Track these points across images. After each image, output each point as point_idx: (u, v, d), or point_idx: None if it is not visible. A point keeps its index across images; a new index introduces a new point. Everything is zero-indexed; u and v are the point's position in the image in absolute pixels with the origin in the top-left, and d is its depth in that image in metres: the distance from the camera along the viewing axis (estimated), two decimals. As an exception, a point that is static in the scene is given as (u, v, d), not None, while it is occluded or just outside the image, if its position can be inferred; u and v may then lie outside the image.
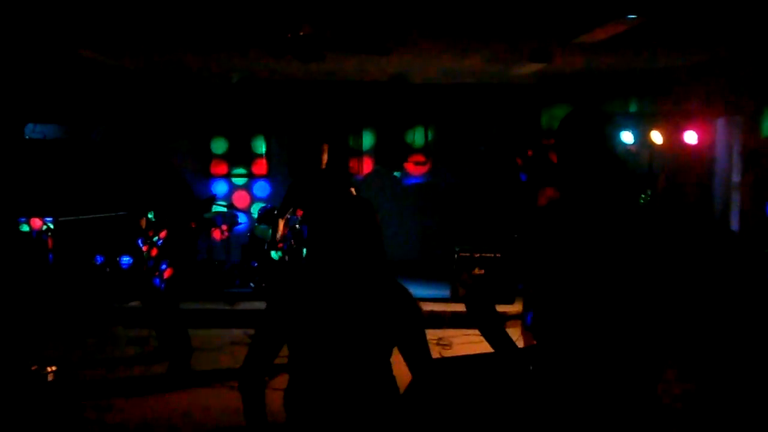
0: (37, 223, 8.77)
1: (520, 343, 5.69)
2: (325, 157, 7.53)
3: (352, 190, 7.50)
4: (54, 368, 5.80)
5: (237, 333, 8.29)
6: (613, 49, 7.49)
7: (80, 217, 9.17)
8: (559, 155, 2.83)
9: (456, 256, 9.30)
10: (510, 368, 2.80)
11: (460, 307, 8.82)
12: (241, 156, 11.37)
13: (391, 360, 2.90)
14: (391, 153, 11.25)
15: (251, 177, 11.45)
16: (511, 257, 2.80)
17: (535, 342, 2.77)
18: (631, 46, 7.47)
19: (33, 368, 5.18)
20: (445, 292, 9.31)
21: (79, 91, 9.77)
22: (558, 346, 2.67)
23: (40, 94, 9.34)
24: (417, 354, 2.87)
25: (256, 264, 9.62)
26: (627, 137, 8.84)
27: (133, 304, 8.66)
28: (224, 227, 9.98)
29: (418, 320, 2.88)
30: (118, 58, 8.69)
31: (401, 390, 2.97)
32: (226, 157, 11.38)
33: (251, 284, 9.67)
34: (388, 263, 2.83)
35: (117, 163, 9.80)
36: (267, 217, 9.77)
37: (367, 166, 11.42)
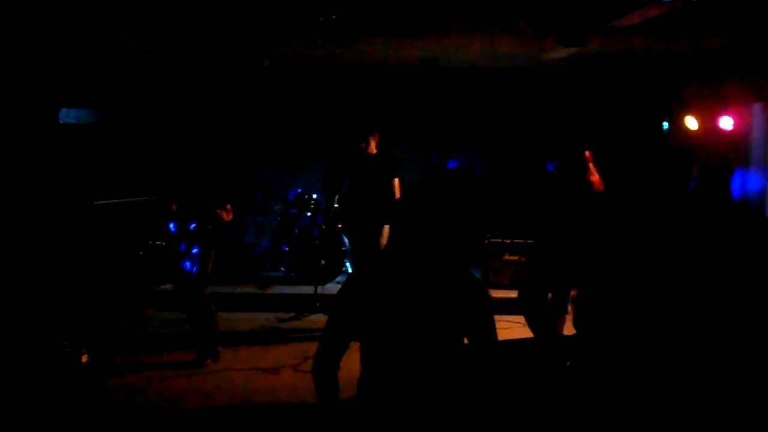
0: (72, 206, 8.86)
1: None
2: (373, 145, 7.61)
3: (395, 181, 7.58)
4: (86, 349, 5.88)
5: (268, 317, 8.35)
6: (647, 32, 7.39)
7: (114, 201, 9.25)
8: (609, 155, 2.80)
9: (486, 241, 9.27)
10: (547, 357, 2.78)
11: (491, 293, 8.78)
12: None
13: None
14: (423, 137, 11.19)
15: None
16: (554, 250, 2.79)
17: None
18: (665, 30, 7.36)
19: (66, 349, 5.24)
20: (476, 278, 9.26)
21: (112, 76, 9.82)
22: (601, 339, 2.64)
23: (74, 79, 9.41)
24: (485, 343, 2.83)
25: (286, 248, 9.65)
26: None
27: (166, 287, 8.74)
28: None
29: (488, 310, 2.85)
30: (151, 43, 8.72)
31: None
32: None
33: (281, 268, 9.72)
34: (458, 253, 2.79)
35: (150, 147, 9.86)
36: (297, 201, 9.80)
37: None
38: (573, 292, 5.70)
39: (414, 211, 2.77)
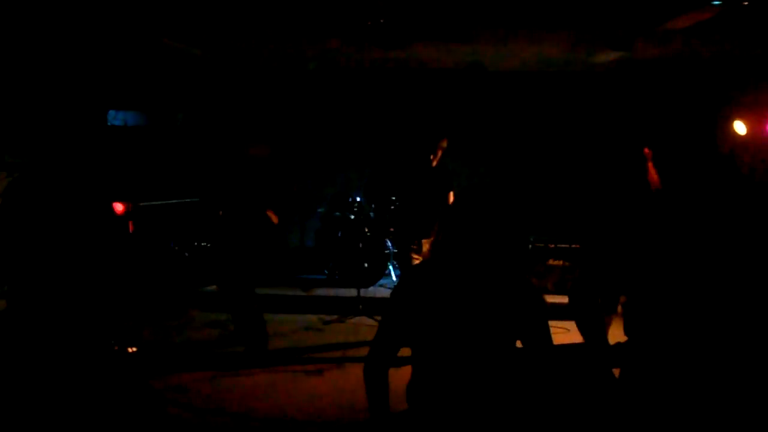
0: (118, 207, 8.99)
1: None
2: (440, 152, 7.49)
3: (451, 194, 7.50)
4: (134, 349, 5.96)
5: (312, 319, 8.39)
6: (696, 36, 7.31)
7: (160, 202, 9.37)
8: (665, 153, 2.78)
9: (530, 245, 9.22)
10: (596, 364, 2.77)
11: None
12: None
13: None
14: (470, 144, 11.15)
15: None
16: (609, 252, 2.76)
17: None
18: (714, 34, 7.28)
19: (115, 348, 5.32)
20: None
21: (158, 79, 9.96)
22: (655, 345, 2.61)
23: (122, 82, 9.56)
24: (539, 345, 2.82)
25: (330, 250, 9.70)
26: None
27: (210, 288, 8.83)
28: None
29: (543, 315, 2.83)
30: (198, 46, 8.83)
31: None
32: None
33: (325, 271, 9.76)
34: (519, 257, 2.77)
35: (196, 150, 9.98)
36: (340, 203, 9.84)
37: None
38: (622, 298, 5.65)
39: (470, 214, 2.77)
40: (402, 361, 2.92)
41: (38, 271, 3.52)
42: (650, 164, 5.31)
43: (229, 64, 10.22)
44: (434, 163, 7.50)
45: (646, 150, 5.43)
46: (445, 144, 7.49)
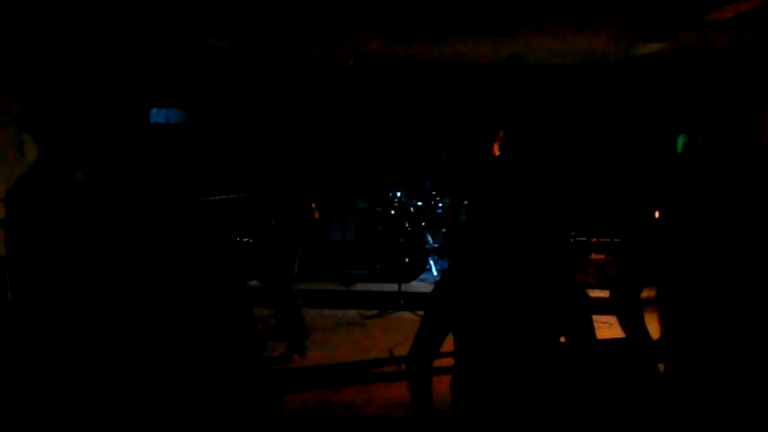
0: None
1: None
2: (497, 145, 7.36)
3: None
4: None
5: (352, 314, 8.42)
6: (742, 27, 7.17)
7: (203, 198, 9.46)
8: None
9: (572, 240, 9.15)
10: (640, 359, 2.73)
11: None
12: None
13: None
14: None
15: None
16: (650, 243, 2.73)
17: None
18: (760, 25, 7.14)
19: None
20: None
21: (200, 76, 10.06)
22: (698, 338, 2.57)
23: (164, 79, 9.67)
24: (583, 340, 2.80)
25: (371, 245, 9.71)
26: None
27: (253, 283, 8.89)
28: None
29: (587, 312, 2.81)
30: (240, 43, 8.88)
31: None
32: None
33: (366, 266, 9.78)
34: (564, 254, 2.76)
35: (237, 147, 10.06)
36: (381, 198, 9.84)
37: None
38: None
39: (507, 204, 2.75)
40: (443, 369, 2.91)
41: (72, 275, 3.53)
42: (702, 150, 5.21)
43: (271, 61, 10.27)
44: (494, 153, 7.35)
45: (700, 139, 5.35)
46: (502, 134, 7.36)
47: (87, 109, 3.74)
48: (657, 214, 5.26)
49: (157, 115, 10.11)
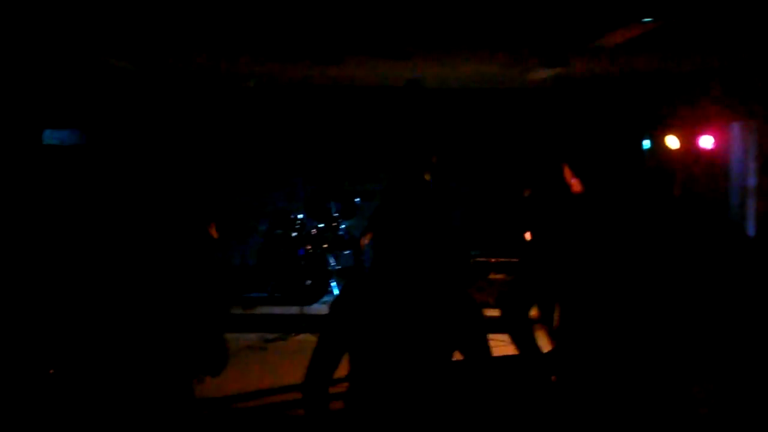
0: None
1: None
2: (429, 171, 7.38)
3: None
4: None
5: (253, 337, 8.32)
6: (628, 52, 7.48)
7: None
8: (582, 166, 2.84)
9: (472, 260, 9.30)
10: (532, 373, 2.80)
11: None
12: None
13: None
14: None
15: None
16: (540, 261, 2.82)
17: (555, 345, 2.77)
18: (647, 51, 7.45)
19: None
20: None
21: (97, 96, 9.82)
22: (585, 349, 2.66)
23: (58, 99, 9.40)
24: (478, 357, 2.84)
25: (272, 268, 9.64)
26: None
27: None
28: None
29: (480, 324, 2.85)
30: (138, 64, 8.74)
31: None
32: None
33: (267, 288, 9.70)
34: (451, 267, 2.79)
35: (136, 168, 9.84)
36: (282, 221, 9.79)
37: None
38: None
39: (403, 226, 2.78)
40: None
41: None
42: (570, 179, 5.41)
43: (172, 81, 10.12)
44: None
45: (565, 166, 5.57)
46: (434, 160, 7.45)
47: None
48: (528, 236, 5.41)
49: (51, 137, 9.82)
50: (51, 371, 3.53)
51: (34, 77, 8.78)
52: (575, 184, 2.68)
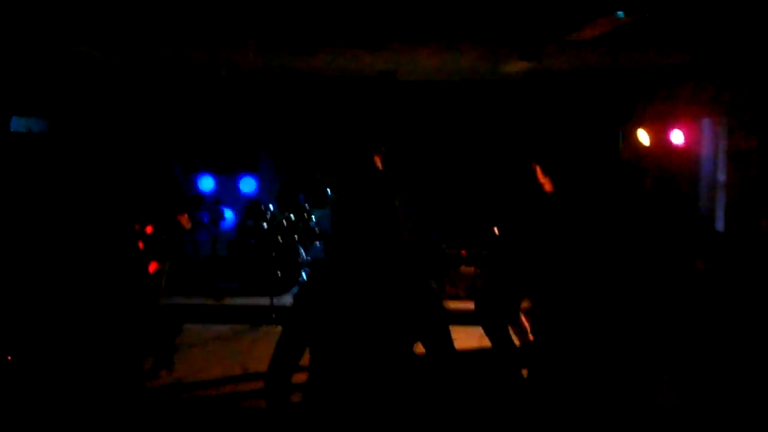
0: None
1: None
2: (379, 160, 7.30)
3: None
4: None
5: (224, 328, 8.28)
6: (601, 47, 7.51)
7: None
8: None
9: (443, 252, 9.32)
10: (505, 366, 2.81)
11: (447, 304, 8.84)
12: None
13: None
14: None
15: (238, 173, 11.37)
16: (513, 255, 2.82)
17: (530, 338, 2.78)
18: (619, 45, 7.49)
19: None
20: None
21: (66, 84, 9.69)
22: (557, 343, 2.67)
23: (26, 87, 9.26)
24: (440, 349, 2.83)
25: (242, 259, 9.60)
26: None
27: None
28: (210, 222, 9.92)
29: (441, 315, 2.84)
30: (108, 53, 8.64)
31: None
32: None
33: (238, 279, 9.65)
34: (411, 258, 2.77)
35: (104, 157, 9.73)
36: (254, 212, 9.75)
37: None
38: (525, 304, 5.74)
39: (359, 215, 2.77)
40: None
41: None
42: (540, 175, 5.44)
43: (143, 70, 10.01)
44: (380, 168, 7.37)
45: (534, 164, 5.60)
46: (383, 150, 7.39)
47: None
48: (496, 230, 5.42)
49: (18, 124, 9.67)
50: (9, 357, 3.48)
51: (2, 64, 8.64)
52: (546, 183, 2.70)
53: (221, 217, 10.12)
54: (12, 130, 9.46)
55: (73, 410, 3.40)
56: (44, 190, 9.02)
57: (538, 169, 2.78)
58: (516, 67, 8.87)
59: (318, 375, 2.82)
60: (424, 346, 2.84)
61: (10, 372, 3.41)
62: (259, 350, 7.28)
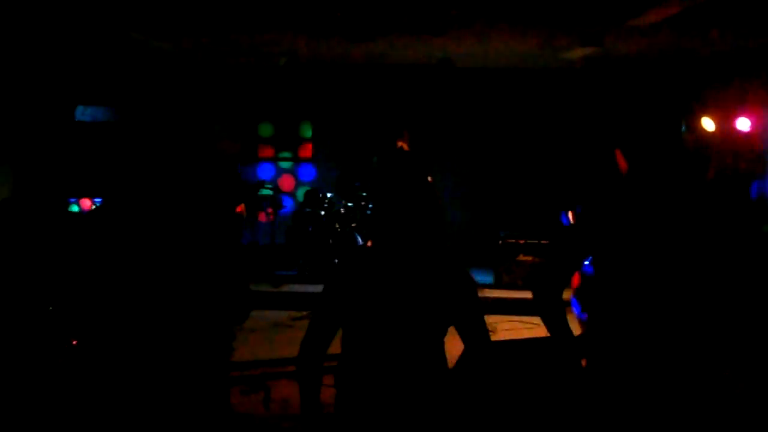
0: (86, 203, 8.90)
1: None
2: (405, 143, 7.28)
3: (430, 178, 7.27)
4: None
5: (281, 315, 8.35)
6: (665, 32, 7.36)
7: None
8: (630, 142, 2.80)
9: (500, 242, 9.25)
10: (563, 356, 2.76)
11: (504, 293, 8.77)
12: (287, 140, 11.39)
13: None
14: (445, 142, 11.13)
15: (297, 161, 11.47)
16: (571, 241, 2.77)
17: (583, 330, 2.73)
18: (683, 30, 7.33)
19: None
20: (488, 278, 9.25)
21: (128, 74, 9.86)
22: (618, 334, 2.62)
23: (91, 77, 9.45)
24: (475, 334, 2.82)
25: (301, 247, 9.66)
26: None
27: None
28: (269, 210, 10.01)
29: (475, 300, 2.83)
30: (170, 41, 8.75)
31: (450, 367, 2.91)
32: (272, 141, 11.40)
33: (296, 267, 9.72)
34: (445, 243, 2.76)
35: (164, 146, 9.87)
36: (312, 200, 9.80)
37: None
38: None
39: (399, 200, 2.75)
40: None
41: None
42: (621, 159, 5.34)
43: (197, 58, 10.13)
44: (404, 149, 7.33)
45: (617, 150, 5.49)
46: (406, 134, 7.35)
47: (7, 107, 3.62)
48: (571, 216, 5.30)
49: (83, 113, 9.88)
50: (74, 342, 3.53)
51: (69, 56, 8.82)
52: (624, 167, 2.65)
53: (280, 205, 10.21)
54: (77, 119, 9.68)
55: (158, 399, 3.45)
56: (107, 178, 9.20)
57: (618, 153, 2.75)
58: (577, 53, 8.74)
59: (350, 356, 2.81)
60: (459, 333, 2.82)
61: (75, 357, 3.48)
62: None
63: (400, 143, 7.35)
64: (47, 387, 3.72)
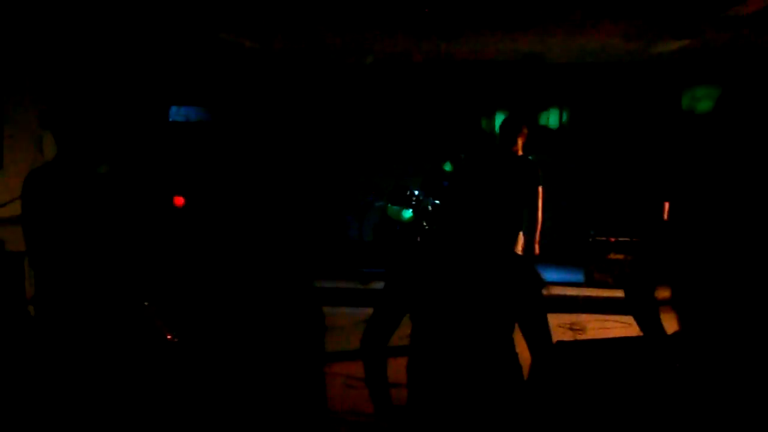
0: (180, 200, 9.10)
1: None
2: (520, 140, 7.00)
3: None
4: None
5: (370, 312, 8.39)
6: (764, 23, 7.10)
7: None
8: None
9: (591, 240, 9.10)
10: (656, 356, 2.70)
11: (594, 292, 8.63)
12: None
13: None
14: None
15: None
16: (661, 241, 2.70)
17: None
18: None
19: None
20: (579, 277, 9.11)
21: (220, 74, 10.06)
22: (717, 334, 2.54)
23: (184, 77, 9.68)
24: (537, 331, 2.83)
25: (388, 244, 9.69)
26: None
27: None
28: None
29: (539, 296, 2.84)
30: (260, 41, 8.89)
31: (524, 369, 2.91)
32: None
33: (384, 264, 9.75)
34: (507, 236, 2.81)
35: (254, 146, 10.04)
36: (399, 197, 9.80)
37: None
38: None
39: (469, 194, 2.76)
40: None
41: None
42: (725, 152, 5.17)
43: (290, 59, 10.27)
44: (519, 153, 7.05)
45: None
46: (525, 131, 7.05)
47: (105, 106, 3.73)
48: (666, 207, 5.14)
49: (177, 113, 10.13)
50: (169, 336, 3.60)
51: (163, 57, 9.07)
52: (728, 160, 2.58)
53: (371, 204, 10.25)
54: (171, 119, 9.93)
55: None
56: (199, 175, 9.41)
57: (721, 146, 2.66)
58: (669, 46, 8.51)
59: (419, 346, 2.85)
60: (520, 327, 2.83)
61: (172, 352, 3.56)
62: (401, 333, 7.32)
63: (519, 141, 6.97)
64: (145, 381, 3.82)
